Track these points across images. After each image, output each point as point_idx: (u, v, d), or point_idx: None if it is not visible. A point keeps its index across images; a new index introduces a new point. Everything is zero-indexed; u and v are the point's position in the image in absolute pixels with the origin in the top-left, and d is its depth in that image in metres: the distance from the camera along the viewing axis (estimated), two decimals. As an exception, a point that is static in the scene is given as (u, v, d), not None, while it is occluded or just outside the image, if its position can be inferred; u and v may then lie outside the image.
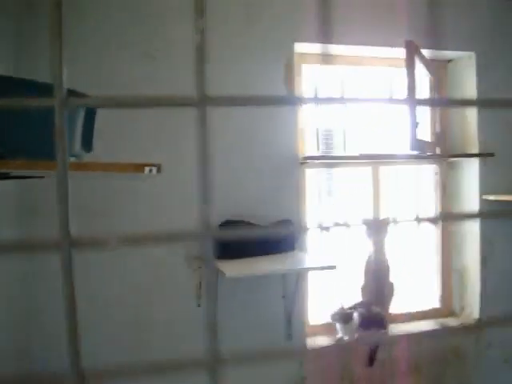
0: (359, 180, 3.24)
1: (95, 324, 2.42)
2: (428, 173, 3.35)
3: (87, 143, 1.55)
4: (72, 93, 1.49)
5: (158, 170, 1.28)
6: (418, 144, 2.66)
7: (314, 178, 3.02)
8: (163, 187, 2.49)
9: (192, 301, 2.57)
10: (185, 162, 2.51)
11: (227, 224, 2.52)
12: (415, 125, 2.59)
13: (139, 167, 1.27)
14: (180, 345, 2.55)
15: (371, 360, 2.85)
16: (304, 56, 2.89)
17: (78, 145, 1.50)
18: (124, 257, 2.46)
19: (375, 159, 3.05)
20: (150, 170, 1.27)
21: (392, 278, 3.08)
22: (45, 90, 1.49)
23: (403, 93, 3.24)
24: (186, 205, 2.49)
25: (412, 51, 2.57)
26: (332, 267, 2.31)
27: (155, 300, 2.53)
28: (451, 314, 3.31)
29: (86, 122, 1.51)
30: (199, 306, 2.58)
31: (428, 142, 2.97)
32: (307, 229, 2.76)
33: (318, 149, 2.72)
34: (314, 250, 2.95)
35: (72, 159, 1.50)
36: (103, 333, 2.44)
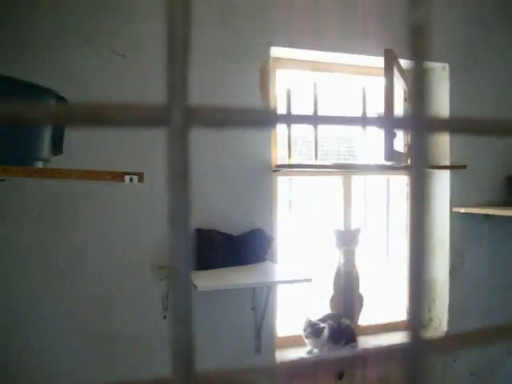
0: (330, 189, 3.17)
1: (56, 336, 2.28)
2: (398, 183, 3.31)
3: (57, 146, 1.42)
4: (43, 90, 1.36)
5: (140, 180, 1.17)
6: (393, 155, 2.60)
7: (285, 187, 2.94)
8: (133, 196, 2.37)
9: (158, 312, 2.45)
10: (158, 169, 2.40)
11: (198, 232, 2.41)
12: (392, 135, 2.53)
13: (118, 176, 1.15)
14: (145, 359, 2.43)
15: (341, 374, 2.78)
16: (279, 60, 2.81)
17: (47, 148, 1.38)
18: (86, 265, 2.32)
19: (348, 169, 2.99)
20: (131, 179, 1.17)
21: (361, 290, 3.03)
22: (41, 92, 1.36)
23: (379, 102, 3.20)
24: (156, 215, 2.40)
25: (391, 60, 2.51)
26: (308, 280, 2.22)
27: (118, 311, 2.39)
28: (419, 326, 3.26)
29: (57, 124, 1.39)
30: (165, 317, 2.46)
31: (402, 153, 2.91)
32: (277, 239, 2.68)
33: (290, 157, 2.65)
34: (284, 260, 2.87)
35: (39, 164, 1.37)
36: (64, 346, 2.30)
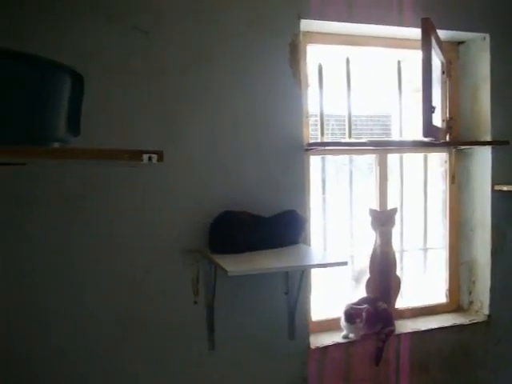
0: (366, 168, 3.03)
1: (83, 321, 2.21)
2: (436, 161, 3.15)
3: (74, 126, 1.32)
4: (59, 66, 1.25)
5: (159, 159, 1.06)
6: (432, 130, 2.45)
7: (319, 166, 2.81)
8: (162, 177, 2.27)
9: (189, 297, 2.36)
10: (185, 149, 2.31)
11: (228, 214, 2.30)
12: (431, 109, 2.37)
13: (137, 154, 1.05)
14: (174, 345, 2.35)
15: (377, 359, 2.67)
16: (310, 35, 2.66)
17: (63, 128, 1.27)
18: (113, 250, 2.24)
19: (383, 146, 2.84)
20: (150, 158, 1.06)
21: (398, 272, 2.90)
22: (56, 69, 1.25)
23: (415, 76, 3.04)
24: (185, 197, 2.30)
25: (429, 30, 2.34)
26: (343, 263, 2.10)
27: (147, 297, 2.30)
28: (459, 309, 3.13)
29: (73, 101, 1.28)
30: (196, 303, 2.37)
31: (441, 128, 2.75)
32: (310, 220, 2.56)
33: (323, 135, 2.53)
34: (318, 243, 2.75)
35: (56, 145, 1.27)
36: (91, 332, 2.22)
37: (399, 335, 2.77)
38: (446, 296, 3.14)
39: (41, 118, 1.13)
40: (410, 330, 2.81)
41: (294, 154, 2.49)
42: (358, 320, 2.59)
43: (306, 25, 2.54)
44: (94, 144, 1.20)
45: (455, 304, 3.14)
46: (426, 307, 3.08)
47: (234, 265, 1.98)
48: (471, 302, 3.09)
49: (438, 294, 3.16)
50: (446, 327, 2.89)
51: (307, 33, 2.63)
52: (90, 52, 2.12)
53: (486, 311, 2.98)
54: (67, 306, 2.18)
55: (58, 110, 1.23)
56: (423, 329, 2.84)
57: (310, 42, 2.68)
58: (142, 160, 1.07)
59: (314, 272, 2.71)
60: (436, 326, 2.88)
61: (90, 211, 2.19)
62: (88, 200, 2.18)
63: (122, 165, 1.79)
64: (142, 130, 2.23)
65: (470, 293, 3.09)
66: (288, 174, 2.45)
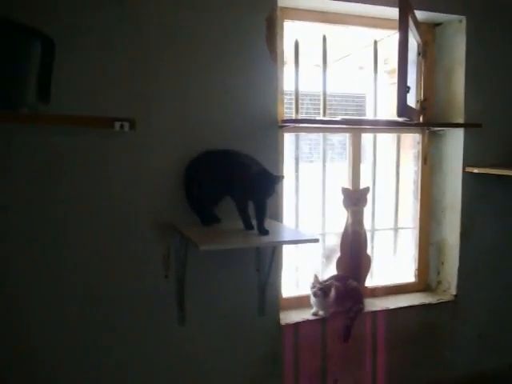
0: (340, 147, 3.04)
1: (55, 297, 2.19)
2: (409, 142, 3.17)
3: (44, 92, 1.29)
4: (29, 29, 1.22)
5: (131, 127, 1.04)
6: (406, 110, 2.46)
7: (292, 143, 2.80)
8: (135, 146, 2.24)
9: (160, 272, 2.35)
10: (158, 123, 2.28)
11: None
12: (406, 90, 2.38)
13: (108, 122, 1.03)
14: (146, 319, 2.34)
15: (346, 336, 2.70)
16: (287, 10, 2.63)
17: (32, 94, 1.24)
18: (84, 224, 2.21)
19: (357, 124, 2.84)
20: (122, 126, 1.04)
21: (369, 251, 2.93)
22: (28, 33, 1.21)
23: (391, 57, 3.05)
24: (158, 172, 2.29)
25: (406, 10, 2.33)
26: (314, 240, 2.10)
27: (119, 271, 2.28)
28: (427, 288, 3.18)
29: (43, 67, 1.24)
30: (167, 277, 2.36)
31: (415, 109, 2.77)
32: (282, 197, 2.55)
33: (298, 112, 2.52)
34: (290, 220, 2.75)
35: (25, 110, 1.24)
36: (64, 308, 2.20)
37: (368, 313, 2.80)
38: (415, 276, 3.18)
39: (9, 81, 1.10)
40: (379, 309, 2.85)
41: (268, 131, 2.48)
42: (328, 297, 2.62)
43: (284, 0, 2.52)
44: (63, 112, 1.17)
45: (424, 283, 3.19)
46: (395, 286, 3.12)
47: (206, 240, 1.97)
48: (439, 282, 3.13)
49: (407, 273, 3.20)
50: (414, 306, 2.94)
51: (284, 8, 2.60)
52: (63, 20, 2.07)
53: (454, 291, 3.03)
54: (39, 279, 2.15)
55: (27, 75, 1.20)
56: (392, 307, 2.88)
57: (287, 18, 2.65)
58: (113, 127, 1.05)
59: (285, 249, 2.72)
60: (404, 305, 2.92)
61: (61, 184, 2.14)
62: (59, 172, 2.13)
63: (95, 135, 1.76)
64: (116, 103, 2.17)
65: (439, 273, 3.13)
66: (262, 150, 2.43)
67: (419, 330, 2.95)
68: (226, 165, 2.18)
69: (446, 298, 3.04)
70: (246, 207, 2.15)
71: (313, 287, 2.65)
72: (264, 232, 2.08)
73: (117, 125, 1.04)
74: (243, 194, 2.13)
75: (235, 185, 2.13)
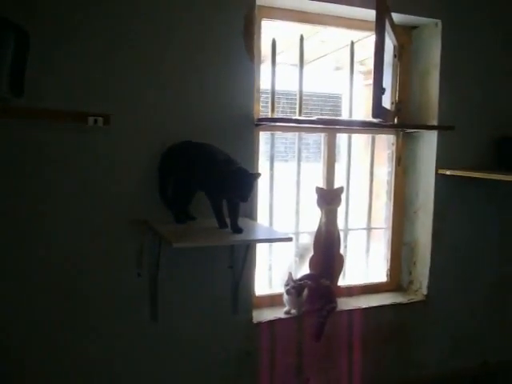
0: (315, 147, 3.06)
1: (29, 293, 2.17)
2: (384, 143, 3.19)
3: (17, 85, 1.27)
4: (1, 20, 1.19)
5: (106, 122, 1.03)
6: (381, 111, 2.47)
7: (268, 142, 2.80)
8: (110, 140, 2.21)
9: (133, 269, 2.33)
10: (135, 111, 2.26)
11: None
12: (381, 91, 2.40)
13: (81, 117, 1.01)
14: (118, 317, 2.34)
15: (318, 335, 2.70)
16: (265, 9, 2.63)
17: (5, 86, 1.22)
18: (61, 220, 2.18)
19: (332, 124, 2.85)
20: (95, 121, 1.03)
21: (341, 250, 2.94)
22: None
23: (367, 58, 3.06)
24: (133, 168, 2.28)
25: (383, 12, 2.35)
26: (288, 239, 2.11)
27: (92, 268, 2.26)
28: (399, 288, 3.21)
29: (17, 59, 1.22)
30: (139, 275, 2.34)
31: (390, 110, 2.79)
32: (257, 196, 2.55)
33: (274, 111, 2.53)
34: (264, 218, 2.75)
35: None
36: (34, 307, 2.18)
37: (341, 312, 2.82)
38: (387, 275, 3.21)
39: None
40: (351, 308, 2.87)
41: (243, 129, 2.48)
42: (301, 296, 2.63)
43: (262, -1, 2.52)
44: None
45: (396, 283, 3.22)
46: (367, 286, 3.14)
47: (180, 237, 1.97)
48: (411, 282, 3.17)
49: (379, 273, 3.22)
50: (385, 305, 2.97)
51: (262, 7, 2.60)
52: (36, 12, 2.03)
53: (425, 291, 3.06)
54: (8, 277, 2.12)
55: (1, 67, 1.18)
56: (364, 306, 2.90)
57: (265, 17, 2.65)
58: (87, 122, 1.04)
59: (259, 247, 2.72)
60: (376, 304, 2.95)
61: (32, 178, 2.11)
62: (30, 167, 2.10)
63: (68, 129, 1.73)
64: (90, 95, 2.14)
65: (411, 273, 3.17)
66: (237, 147, 2.42)
67: (391, 330, 2.98)
68: (203, 160, 2.15)
69: (418, 297, 3.07)
70: (221, 205, 2.13)
71: (286, 285, 2.65)
72: (238, 230, 2.08)
73: (90, 120, 1.03)
74: (219, 192, 2.10)
75: (211, 181, 2.10)
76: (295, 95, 2.81)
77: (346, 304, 2.89)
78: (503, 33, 3.06)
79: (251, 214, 2.52)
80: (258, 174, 2.15)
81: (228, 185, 2.03)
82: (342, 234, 2.95)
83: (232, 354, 2.58)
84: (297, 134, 2.89)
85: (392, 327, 2.98)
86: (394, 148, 3.14)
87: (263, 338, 2.63)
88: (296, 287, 2.63)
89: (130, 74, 2.23)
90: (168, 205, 2.28)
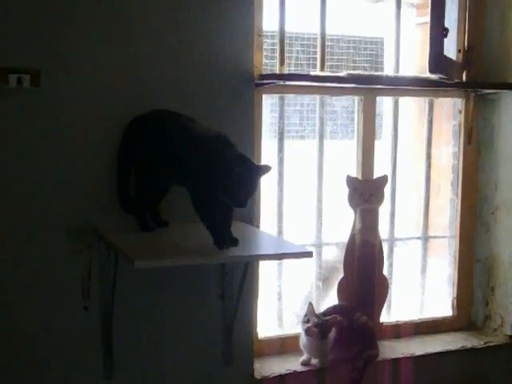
0: (344, 116, 3.05)
1: None
2: (447, 111, 3.19)
3: None
4: None
5: (34, 82, 1.02)
6: (442, 64, 2.48)
7: (275, 110, 2.81)
8: (41, 113, 2.19)
9: (76, 301, 2.34)
10: (79, 68, 2.23)
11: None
12: (442, 33, 2.40)
13: (1, 74, 1.01)
14: (57, 370, 2.33)
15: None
16: None
17: None
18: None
19: (371, 84, 2.85)
20: (19, 81, 1.02)
21: (385, 271, 2.95)
22: None
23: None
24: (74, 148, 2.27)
25: None
26: (306, 254, 2.11)
27: (19, 302, 2.27)
28: (470, 326, 3.22)
29: None
30: (86, 308, 2.35)
31: (455, 61, 2.79)
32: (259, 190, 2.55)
33: (283, 64, 2.51)
34: (269, 223, 2.76)
35: None
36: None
37: (385, 361, 2.83)
38: (453, 307, 3.22)
39: None
40: (400, 356, 2.88)
41: (237, 91, 2.49)
42: (326, 338, 2.63)
43: None
44: None
45: (465, 319, 3.24)
46: (424, 322, 3.16)
47: (145, 253, 1.97)
48: (488, 317, 3.17)
49: (441, 303, 3.23)
50: (451, 351, 2.98)
51: None
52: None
53: (509, 330, 3.07)
54: None
55: None
56: (418, 353, 2.91)
57: None
58: (7, 83, 1.03)
59: (262, 266, 2.73)
60: (438, 350, 2.96)
61: None
62: None
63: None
64: (14, 44, 2.15)
65: (487, 304, 3.17)
66: (229, 118, 2.44)
67: (461, 384, 2.99)
68: (184, 139, 2.11)
69: (498, 339, 3.08)
70: (214, 209, 2.03)
71: (305, 322, 2.65)
72: (232, 241, 2.06)
73: (12, 79, 1.03)
74: (210, 187, 2.00)
75: (195, 172, 2.04)
76: (315, 40, 2.81)
77: (392, 350, 2.90)
78: None
79: (250, 218, 2.53)
80: (267, 168, 2.04)
81: (225, 181, 1.93)
82: (385, 246, 2.95)
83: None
84: (317, 97, 2.90)
85: (460, 383, 2.98)
86: (461, 118, 3.14)
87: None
88: (319, 325, 2.63)
89: (73, 13, 2.23)
90: (129, 206, 2.27)
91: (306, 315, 2.66)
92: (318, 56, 2.79)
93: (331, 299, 2.90)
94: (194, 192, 2.05)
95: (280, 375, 2.65)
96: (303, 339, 2.68)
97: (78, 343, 2.35)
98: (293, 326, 2.78)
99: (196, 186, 2.05)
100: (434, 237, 3.22)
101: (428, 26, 2.39)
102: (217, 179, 1.94)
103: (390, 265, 3.06)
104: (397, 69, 2.97)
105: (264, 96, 2.69)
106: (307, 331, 2.64)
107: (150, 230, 2.25)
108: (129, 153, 2.24)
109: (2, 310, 2.25)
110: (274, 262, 2.85)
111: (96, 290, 2.35)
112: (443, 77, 2.55)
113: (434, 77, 2.51)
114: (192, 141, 2.07)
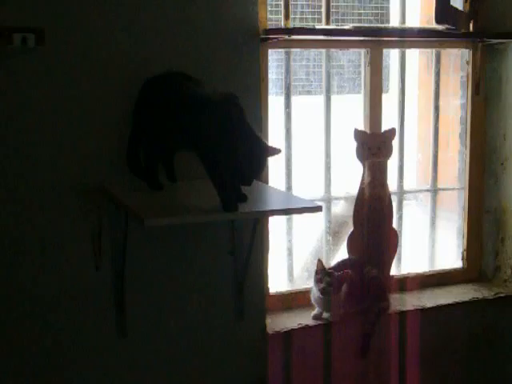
0: (351, 69, 3.04)
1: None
2: (454, 62, 3.17)
3: None
4: None
5: (39, 40, 1.02)
6: (448, 13, 2.46)
7: (281, 65, 2.79)
8: (47, 73, 2.19)
9: (88, 261, 2.35)
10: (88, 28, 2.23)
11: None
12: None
13: (4, 34, 1.00)
14: (71, 329, 2.36)
15: (364, 348, 2.73)
16: None
17: None
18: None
19: (378, 36, 2.83)
20: (24, 40, 1.01)
21: (395, 224, 2.95)
22: None
23: None
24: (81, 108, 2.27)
25: None
26: (316, 209, 2.11)
27: (27, 261, 2.28)
28: (481, 277, 3.23)
29: None
30: (98, 268, 2.36)
31: (461, 11, 2.77)
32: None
33: (288, 18, 2.51)
34: (279, 179, 2.76)
35: None
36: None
37: (396, 314, 2.85)
38: (463, 259, 3.23)
39: None
40: (410, 308, 2.89)
41: (242, 46, 2.47)
42: (337, 292, 2.64)
43: None
44: None
45: (475, 271, 3.24)
46: (434, 275, 3.18)
47: (155, 211, 1.97)
48: (498, 268, 3.18)
49: (451, 256, 3.25)
50: (461, 303, 2.99)
51: None
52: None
53: (519, 280, 3.08)
54: None
55: None
56: (429, 305, 2.92)
57: None
58: (12, 42, 1.03)
59: (272, 222, 2.74)
60: (448, 302, 2.97)
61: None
62: None
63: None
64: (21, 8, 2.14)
65: (497, 255, 3.18)
66: (233, 74, 2.43)
67: (470, 338, 3.01)
68: (188, 105, 2.05)
69: (509, 290, 3.10)
70: (226, 176, 1.98)
71: (318, 281, 2.66)
72: (240, 197, 2.06)
73: (17, 38, 1.02)
74: (219, 159, 1.96)
75: (208, 142, 1.98)
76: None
77: (402, 302, 2.92)
78: None
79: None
80: (278, 150, 2.03)
81: (235, 161, 1.92)
82: (394, 199, 2.95)
83: (236, 379, 2.61)
84: (324, 51, 2.88)
85: (471, 334, 3.01)
86: (469, 69, 3.12)
87: (281, 355, 2.66)
88: (330, 280, 2.63)
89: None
90: (137, 169, 2.27)
91: (317, 273, 2.67)
92: (323, 9, 2.77)
93: (341, 253, 2.90)
94: (206, 161, 2.00)
95: (292, 329, 2.67)
96: (315, 294, 2.68)
97: (91, 303, 2.37)
98: (303, 280, 2.78)
99: (207, 157, 2.00)
100: (443, 189, 3.21)
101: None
102: (223, 154, 1.92)
103: (400, 218, 3.06)
104: (403, 20, 2.95)
105: (270, 51, 2.68)
106: (318, 287, 2.64)
107: (159, 188, 2.25)
108: (138, 115, 2.23)
109: (15, 272, 2.27)
110: (284, 218, 2.85)
111: (107, 250, 2.36)
112: (450, 27, 2.54)
113: (440, 27, 2.49)
114: (200, 107, 2.00)
